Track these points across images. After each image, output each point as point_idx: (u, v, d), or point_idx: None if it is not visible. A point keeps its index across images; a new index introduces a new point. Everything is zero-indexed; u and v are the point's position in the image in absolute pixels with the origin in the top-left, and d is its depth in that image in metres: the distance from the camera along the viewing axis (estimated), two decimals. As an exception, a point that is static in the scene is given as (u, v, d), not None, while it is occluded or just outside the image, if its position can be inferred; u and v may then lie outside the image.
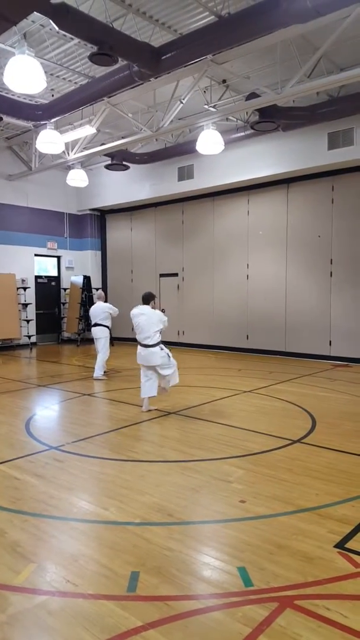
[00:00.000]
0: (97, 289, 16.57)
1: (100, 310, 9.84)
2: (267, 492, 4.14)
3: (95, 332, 9.91)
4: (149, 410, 6.96)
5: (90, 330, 10.32)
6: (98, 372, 9.85)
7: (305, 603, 2.66)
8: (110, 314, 9.86)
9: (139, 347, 6.86)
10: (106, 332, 9.91)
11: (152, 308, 6.92)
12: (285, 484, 4.34)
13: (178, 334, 14.74)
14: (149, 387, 6.94)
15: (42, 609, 2.64)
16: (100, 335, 9.88)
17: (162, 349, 6.80)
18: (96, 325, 9.89)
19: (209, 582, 2.89)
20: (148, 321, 6.74)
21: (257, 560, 3.10)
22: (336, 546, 3.26)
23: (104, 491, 4.23)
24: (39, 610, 2.63)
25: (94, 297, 10.21)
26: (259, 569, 2.99)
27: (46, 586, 2.85)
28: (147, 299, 6.96)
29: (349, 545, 3.27)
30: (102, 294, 10.52)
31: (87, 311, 15.82)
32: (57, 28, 6.82)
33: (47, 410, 7.40)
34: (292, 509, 3.84)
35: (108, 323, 9.88)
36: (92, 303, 15.95)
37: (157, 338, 6.77)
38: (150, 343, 6.72)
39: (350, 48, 8.52)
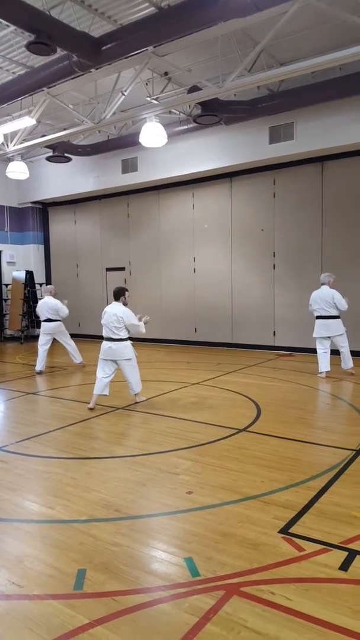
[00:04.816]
0: (40, 285, 16.19)
1: (50, 306, 9.73)
2: (213, 482, 4.20)
3: (50, 327, 9.80)
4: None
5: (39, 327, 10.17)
6: (79, 358, 10.04)
7: (251, 589, 2.72)
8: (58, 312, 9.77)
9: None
10: (62, 326, 9.94)
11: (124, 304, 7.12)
12: (231, 473, 4.40)
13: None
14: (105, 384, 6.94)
15: (-15, 614, 2.57)
16: (58, 330, 9.86)
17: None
18: (49, 320, 9.77)
19: (156, 574, 2.89)
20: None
21: (203, 550, 3.13)
22: (280, 532, 3.34)
23: (49, 490, 4.16)
24: (-19, 615, 2.56)
25: (43, 291, 10.04)
26: (206, 559, 3.02)
27: (-11, 590, 2.78)
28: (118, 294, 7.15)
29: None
30: (52, 288, 10.28)
31: (31, 307, 15.48)
32: (-10, 14, 6.57)
33: (-10, 410, 7.19)
34: (238, 497, 3.90)
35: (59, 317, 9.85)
36: (35, 299, 15.61)
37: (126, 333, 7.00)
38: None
39: (289, 43, 8.68)
